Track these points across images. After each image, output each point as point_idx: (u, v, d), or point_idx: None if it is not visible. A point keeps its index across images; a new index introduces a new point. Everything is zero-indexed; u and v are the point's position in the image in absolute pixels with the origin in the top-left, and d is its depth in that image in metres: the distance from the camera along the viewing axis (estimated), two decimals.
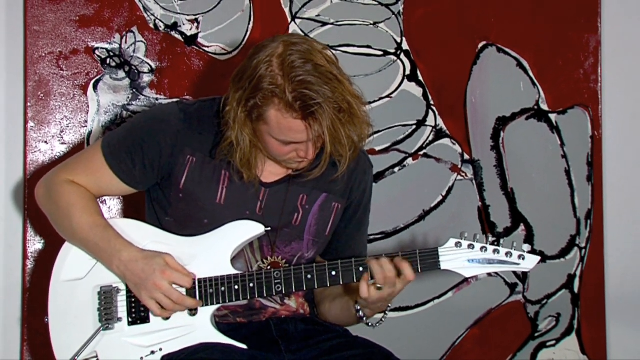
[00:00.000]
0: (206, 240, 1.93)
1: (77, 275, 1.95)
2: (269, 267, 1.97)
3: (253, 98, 1.76)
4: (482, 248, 1.86)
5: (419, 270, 1.86)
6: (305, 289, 1.90)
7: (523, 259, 1.85)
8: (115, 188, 1.96)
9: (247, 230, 1.92)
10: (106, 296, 1.92)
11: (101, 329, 1.91)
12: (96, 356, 1.90)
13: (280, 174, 1.93)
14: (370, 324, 1.98)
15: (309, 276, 1.87)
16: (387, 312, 1.96)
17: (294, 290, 1.90)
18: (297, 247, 1.99)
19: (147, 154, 1.92)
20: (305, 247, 2.00)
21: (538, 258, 1.87)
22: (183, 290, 1.88)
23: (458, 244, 1.86)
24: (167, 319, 1.90)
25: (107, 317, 1.91)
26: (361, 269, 1.87)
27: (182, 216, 1.96)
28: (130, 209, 2.49)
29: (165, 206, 1.98)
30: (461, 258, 1.86)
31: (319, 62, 1.75)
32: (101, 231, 1.90)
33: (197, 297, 1.89)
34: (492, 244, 1.88)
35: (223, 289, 1.88)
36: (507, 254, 1.85)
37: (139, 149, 1.92)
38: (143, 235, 1.95)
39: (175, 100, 2.34)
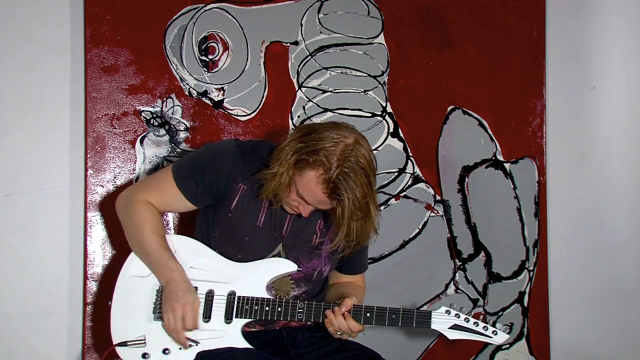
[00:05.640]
0: (250, 267, 2.08)
1: (142, 273, 2.10)
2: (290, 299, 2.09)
3: (307, 155, 1.91)
4: (465, 319, 1.99)
5: (414, 325, 2.00)
6: (321, 320, 2.05)
7: (495, 334, 1.98)
8: (179, 205, 2.11)
9: (282, 266, 2.09)
10: (162, 294, 2.07)
11: (154, 318, 2.07)
12: (144, 339, 2.05)
13: None
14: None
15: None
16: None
17: (312, 320, 2.04)
18: (317, 262, 2.15)
19: (208, 179, 2.06)
20: (323, 262, 2.15)
21: (507, 336, 1.98)
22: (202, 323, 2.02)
23: (447, 312, 2.00)
24: (207, 321, 2.05)
25: (160, 310, 2.05)
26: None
27: (227, 232, 2.10)
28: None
29: (215, 223, 2.12)
30: (448, 323, 1.99)
31: (367, 171, 1.91)
32: (162, 250, 2.06)
33: (235, 312, 2.03)
34: (475, 316, 2.00)
35: (256, 307, 2.04)
36: (484, 327, 1.98)
37: (201, 174, 2.06)
38: (196, 252, 2.10)
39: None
